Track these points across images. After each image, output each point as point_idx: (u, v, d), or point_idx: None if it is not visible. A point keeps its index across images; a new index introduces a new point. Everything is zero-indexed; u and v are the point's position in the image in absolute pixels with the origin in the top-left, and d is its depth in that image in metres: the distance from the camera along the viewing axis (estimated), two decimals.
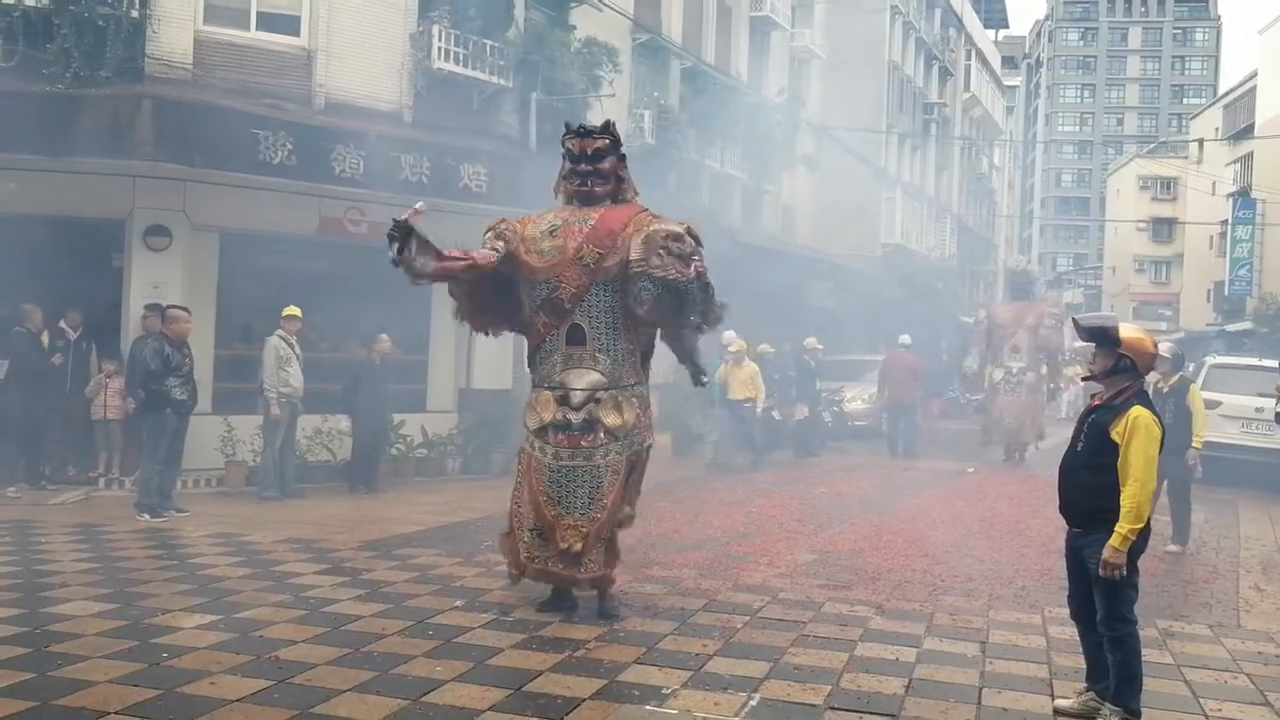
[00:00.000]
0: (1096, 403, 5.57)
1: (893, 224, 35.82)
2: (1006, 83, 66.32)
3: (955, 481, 16.10)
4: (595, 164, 7.32)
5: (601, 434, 7.08)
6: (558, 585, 7.33)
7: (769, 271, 22.77)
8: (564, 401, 7.10)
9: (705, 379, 8.15)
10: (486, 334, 8.10)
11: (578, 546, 7.00)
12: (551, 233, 7.20)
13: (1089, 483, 5.42)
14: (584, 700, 5.50)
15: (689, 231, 7.13)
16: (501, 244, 7.20)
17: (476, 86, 15.61)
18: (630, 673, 5.98)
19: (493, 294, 7.47)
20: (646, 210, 7.37)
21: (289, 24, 14.32)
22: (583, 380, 7.11)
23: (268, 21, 14.17)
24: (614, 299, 7.13)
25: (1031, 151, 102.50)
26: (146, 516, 10.71)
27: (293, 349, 12.51)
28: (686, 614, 7.35)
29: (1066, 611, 5.94)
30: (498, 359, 15.71)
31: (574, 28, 17.95)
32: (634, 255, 6.98)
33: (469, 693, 5.57)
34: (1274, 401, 9.67)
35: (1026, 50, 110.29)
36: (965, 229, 47.35)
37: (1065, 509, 5.65)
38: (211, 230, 13.67)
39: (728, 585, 8.32)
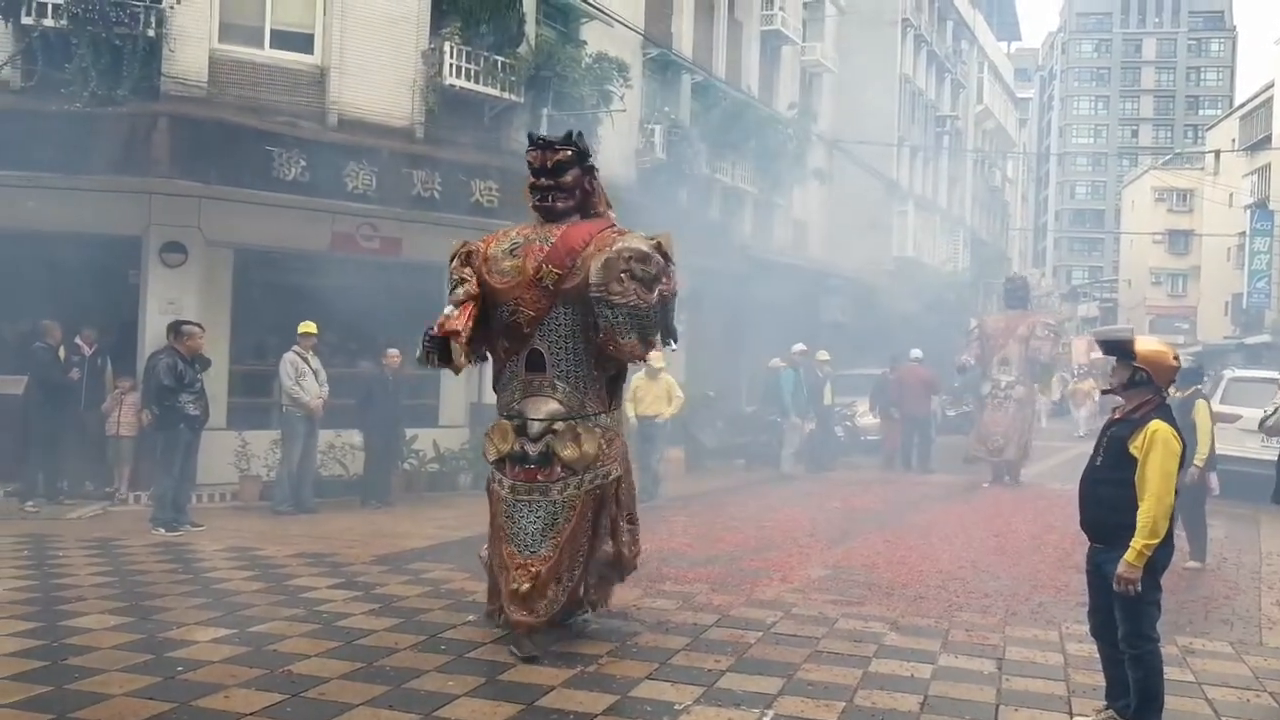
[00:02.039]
0: (1116, 416, 5.55)
1: (905, 237, 35.76)
2: (1019, 95, 66.29)
3: (969, 496, 16.02)
4: (556, 178, 6.85)
5: (558, 468, 6.61)
6: (512, 627, 6.69)
7: (781, 286, 22.77)
8: (521, 432, 6.68)
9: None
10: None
11: (525, 587, 6.44)
12: (512, 251, 6.76)
13: (1109, 497, 5.38)
14: (596, 716, 5.50)
15: (659, 248, 6.70)
16: (471, 272, 6.80)
17: (488, 102, 15.68)
18: (642, 688, 5.97)
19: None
20: (613, 226, 6.94)
21: (302, 42, 14.42)
22: (541, 410, 6.69)
23: (282, 40, 14.27)
24: (575, 322, 6.69)
25: (1045, 164, 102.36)
26: (162, 531, 10.75)
27: (308, 364, 12.57)
28: (699, 629, 7.33)
29: (1085, 628, 5.91)
30: None
31: (585, 43, 18.02)
32: (594, 279, 6.51)
33: (481, 708, 5.57)
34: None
35: (1039, 62, 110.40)
36: (978, 242, 47.26)
37: (1086, 524, 5.61)
38: (226, 246, 13.75)
39: (740, 600, 8.29)
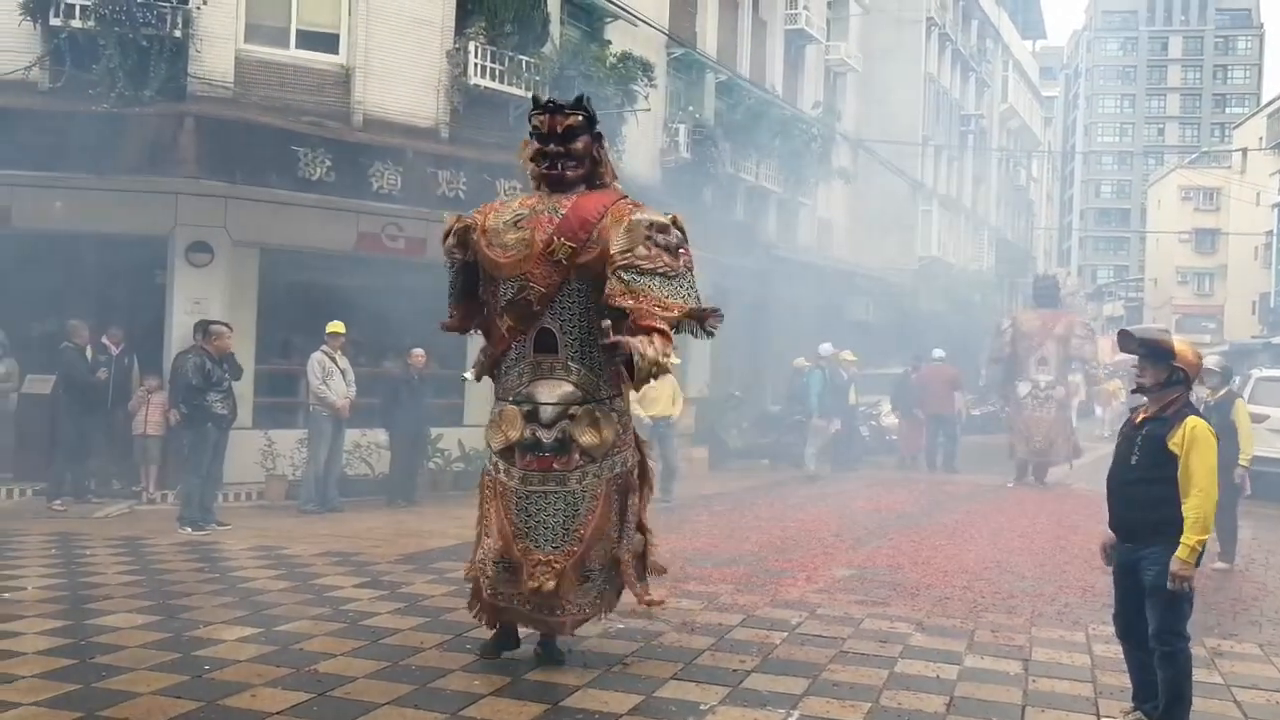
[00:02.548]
0: (1144, 415, 5.51)
1: (929, 237, 35.63)
2: (1044, 94, 65.95)
3: (994, 496, 15.95)
4: (566, 144, 6.32)
5: (577, 455, 6.14)
6: (533, 628, 6.47)
7: (805, 285, 22.73)
8: (533, 418, 6.15)
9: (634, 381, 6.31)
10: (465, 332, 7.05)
11: (550, 585, 6.04)
12: (516, 223, 6.23)
13: (1148, 496, 5.35)
14: (621, 716, 5.49)
15: (675, 223, 6.19)
16: (460, 253, 6.49)
17: (512, 102, 15.68)
18: (668, 688, 5.96)
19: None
20: (626, 197, 6.41)
21: (328, 42, 14.49)
22: (554, 393, 6.16)
23: (307, 40, 14.34)
24: (589, 300, 6.17)
25: (1070, 162, 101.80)
26: (188, 530, 10.81)
27: (335, 364, 12.62)
28: (724, 629, 7.32)
29: (1111, 629, 5.87)
30: None
31: (609, 43, 18.02)
32: (616, 248, 5.96)
33: (506, 707, 5.57)
34: None
35: (1065, 61, 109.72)
36: (1003, 241, 47.05)
37: (1119, 524, 5.57)
38: (252, 246, 13.82)
39: (765, 601, 8.28)
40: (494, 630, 6.52)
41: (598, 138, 6.53)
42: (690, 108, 21.12)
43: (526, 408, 6.18)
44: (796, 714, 5.61)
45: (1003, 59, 46.75)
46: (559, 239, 6.07)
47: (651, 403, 13.91)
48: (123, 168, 12.33)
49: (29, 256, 12.52)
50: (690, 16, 21.76)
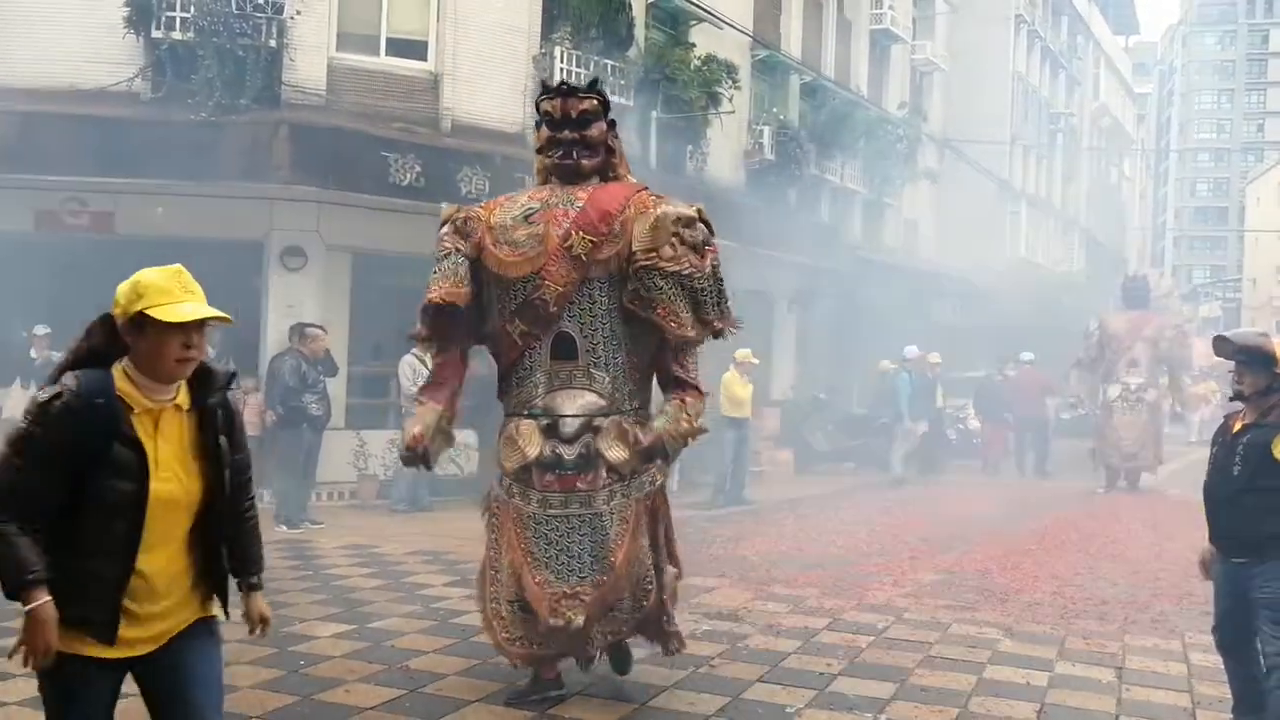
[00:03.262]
0: (1243, 422, 5.29)
1: (1017, 238, 35.09)
2: (1137, 90, 64.47)
3: (1085, 502, 15.66)
4: (581, 130, 5.75)
5: (604, 472, 5.54)
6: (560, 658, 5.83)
7: (891, 287, 22.53)
8: (552, 432, 5.54)
9: (669, 462, 6.10)
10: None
11: (579, 621, 5.40)
12: (527, 218, 5.65)
13: (1256, 507, 5.03)
14: (708, 717, 5.52)
15: (700, 216, 5.73)
16: (464, 260, 5.67)
17: None
18: (754, 691, 5.97)
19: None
20: (646, 189, 5.87)
21: (417, 49, 14.72)
22: (575, 403, 5.57)
23: (397, 47, 14.60)
24: (611, 300, 5.62)
25: (1164, 160, 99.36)
26: (284, 528, 11.07)
27: (426, 366, 12.79)
28: (810, 633, 7.31)
29: (1208, 638, 5.72)
30: None
31: (693, 45, 18.06)
32: (639, 245, 5.52)
33: (594, 706, 5.64)
34: None
35: (1159, 56, 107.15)
36: (1094, 242, 46.10)
37: (1224, 537, 5.26)
38: (344, 250, 14.08)
39: (852, 604, 8.24)
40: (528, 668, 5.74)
41: (612, 125, 5.99)
42: (775, 109, 21.08)
43: (545, 421, 5.58)
44: (884, 718, 5.59)
45: (1094, 55, 45.83)
46: (578, 233, 5.55)
47: (743, 405, 14.00)
48: (220, 174, 12.63)
49: (132, 261, 12.86)
50: (774, 18, 21.71)
